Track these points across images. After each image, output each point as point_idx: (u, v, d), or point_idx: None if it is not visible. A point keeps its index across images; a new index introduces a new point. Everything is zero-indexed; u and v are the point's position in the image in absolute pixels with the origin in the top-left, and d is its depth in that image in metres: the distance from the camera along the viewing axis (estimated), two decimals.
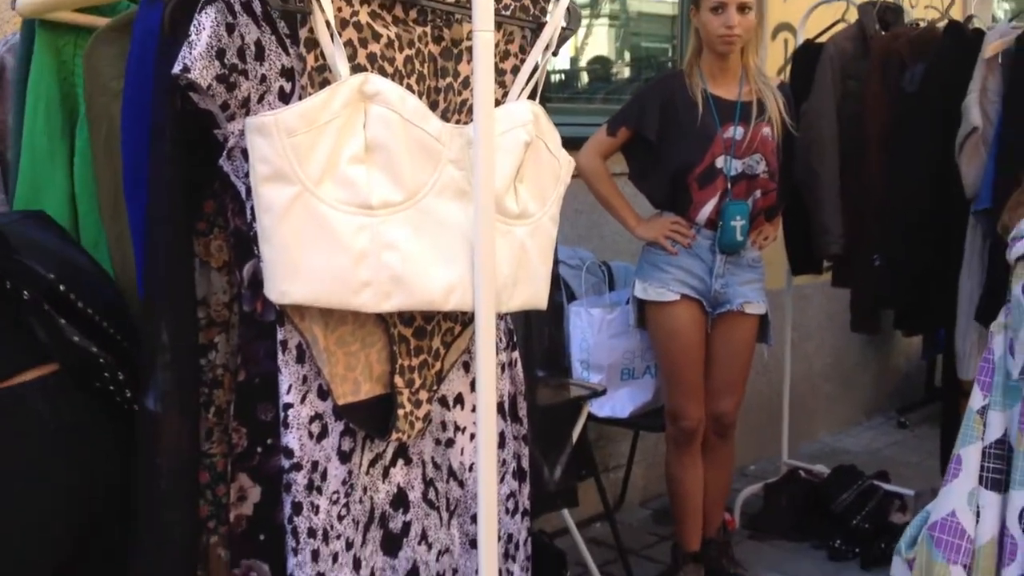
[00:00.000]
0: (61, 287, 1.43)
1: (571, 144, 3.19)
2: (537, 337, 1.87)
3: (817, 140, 3.49)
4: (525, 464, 1.77)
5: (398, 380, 1.50)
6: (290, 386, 1.43)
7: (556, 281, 3.63)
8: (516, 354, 1.75)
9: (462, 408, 1.62)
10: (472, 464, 1.63)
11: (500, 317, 1.69)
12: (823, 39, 3.75)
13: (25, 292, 1.41)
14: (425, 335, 1.53)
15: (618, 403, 3.53)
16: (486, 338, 1.45)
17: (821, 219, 3.52)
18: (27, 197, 1.57)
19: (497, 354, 1.67)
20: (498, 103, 1.56)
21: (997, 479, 1.71)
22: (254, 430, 1.49)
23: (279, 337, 1.43)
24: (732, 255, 3.15)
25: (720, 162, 3.08)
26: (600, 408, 3.50)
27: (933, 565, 1.72)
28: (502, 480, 1.67)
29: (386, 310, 1.42)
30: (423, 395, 1.53)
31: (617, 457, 4.16)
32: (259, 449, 1.49)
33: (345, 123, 1.36)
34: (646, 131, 3.11)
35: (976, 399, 1.74)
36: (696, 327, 3.20)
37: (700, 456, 3.38)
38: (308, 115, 1.32)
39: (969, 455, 1.73)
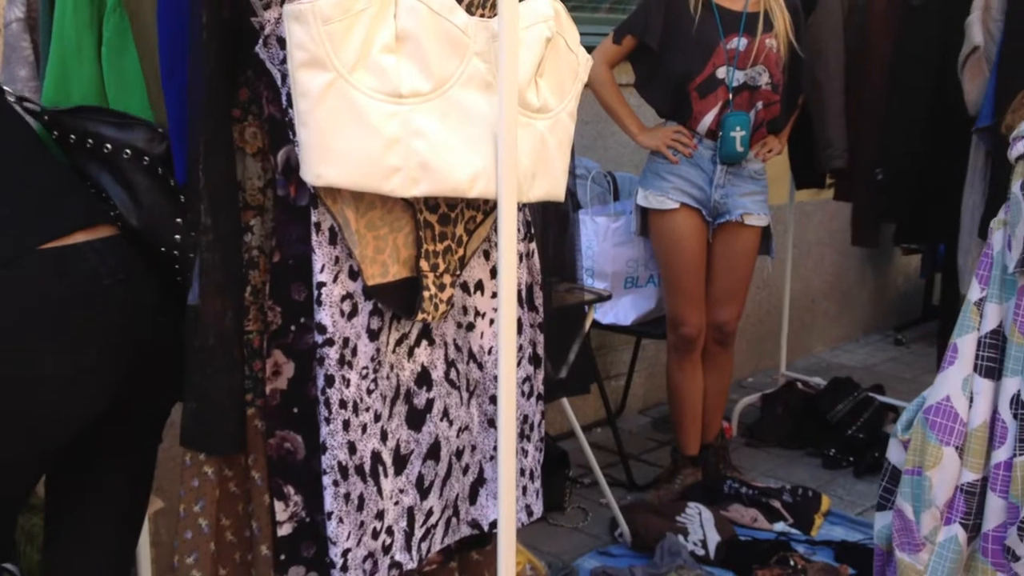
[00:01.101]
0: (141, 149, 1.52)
1: None
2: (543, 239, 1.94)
3: (822, 53, 3.52)
4: (540, 351, 1.86)
5: (423, 264, 1.59)
6: (323, 265, 1.52)
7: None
8: (533, 245, 1.83)
9: (482, 294, 1.71)
10: (491, 348, 1.72)
11: (519, 208, 1.77)
12: None
13: (107, 146, 1.50)
14: (449, 221, 1.61)
15: (621, 311, 3.62)
16: (508, 226, 1.53)
17: (824, 132, 3.57)
18: (56, 86, 1.64)
19: (516, 243, 1.75)
20: None
21: (991, 367, 1.80)
22: (288, 309, 1.58)
23: (313, 219, 1.51)
24: (733, 166, 3.21)
25: (721, 72, 3.12)
26: (604, 315, 3.60)
27: (927, 446, 1.81)
28: (519, 364, 1.76)
29: (414, 195, 1.49)
30: (447, 279, 1.61)
31: (618, 365, 4.27)
32: (292, 327, 1.58)
33: (377, 13, 1.42)
34: (649, 39, 3.15)
35: (974, 291, 1.83)
36: (696, 236, 3.27)
37: (700, 363, 3.47)
38: (342, 3, 1.39)
39: (965, 344, 1.82)
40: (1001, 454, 1.76)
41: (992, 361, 1.79)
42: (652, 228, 3.33)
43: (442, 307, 1.61)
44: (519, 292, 1.76)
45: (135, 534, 1.76)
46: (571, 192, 3.69)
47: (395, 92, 1.44)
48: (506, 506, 1.59)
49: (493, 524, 1.76)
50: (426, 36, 1.45)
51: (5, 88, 1.60)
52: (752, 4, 3.18)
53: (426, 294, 1.58)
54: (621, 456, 3.69)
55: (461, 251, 1.63)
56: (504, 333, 1.55)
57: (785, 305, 4.33)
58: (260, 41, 1.47)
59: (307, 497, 1.60)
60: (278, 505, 1.62)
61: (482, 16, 1.57)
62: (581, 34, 3.55)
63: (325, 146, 1.42)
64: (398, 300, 1.57)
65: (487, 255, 1.71)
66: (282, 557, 1.64)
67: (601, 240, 3.54)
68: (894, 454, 1.91)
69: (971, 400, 1.80)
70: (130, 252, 1.59)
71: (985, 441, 1.80)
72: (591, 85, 3.22)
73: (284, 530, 1.63)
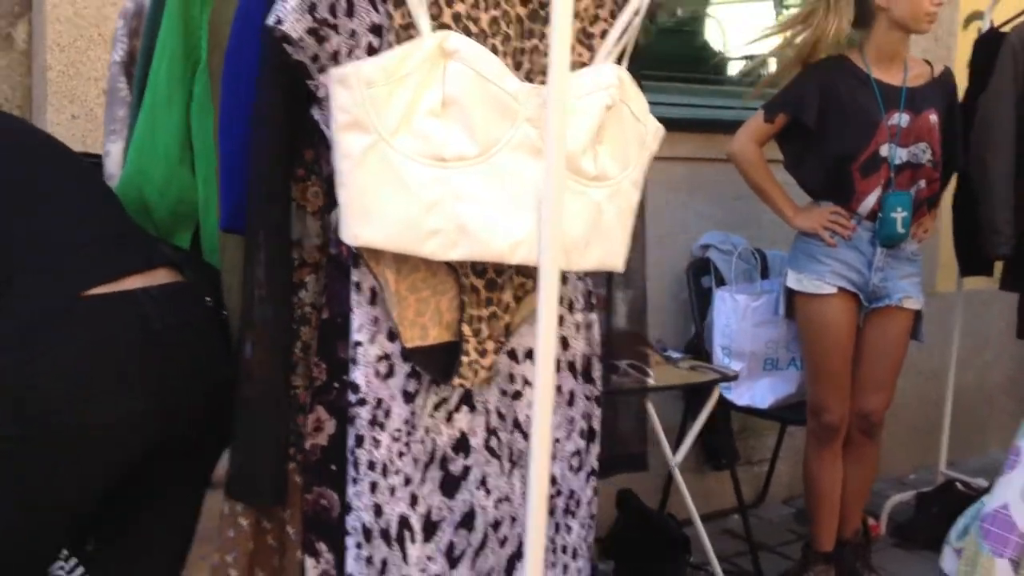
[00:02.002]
0: None
1: (710, 127, 3.18)
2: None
3: (992, 133, 3.33)
4: (596, 424, 1.81)
5: (465, 328, 1.57)
6: (361, 325, 1.52)
7: (706, 265, 3.64)
8: (594, 316, 1.79)
9: (532, 363, 1.67)
10: None
11: (580, 277, 1.73)
12: (1009, 27, 3.57)
13: None
14: (496, 287, 1.59)
15: (758, 393, 3.49)
16: (549, 294, 1.48)
17: (991, 216, 3.36)
18: (143, 133, 1.73)
19: (573, 313, 1.71)
20: (584, 66, 1.60)
21: None
22: (333, 366, 1.59)
23: (353, 279, 1.52)
24: (892, 248, 3.06)
25: (884, 150, 3.00)
26: (739, 397, 3.48)
27: (979, 556, 1.65)
28: (568, 437, 1.71)
29: (452, 259, 1.48)
30: (490, 345, 1.59)
31: (761, 451, 4.11)
32: (336, 384, 1.59)
33: (424, 78, 1.43)
34: (805, 117, 3.05)
35: None
36: (849, 321, 3.13)
37: (840, 454, 3.30)
38: (387, 68, 1.40)
39: None
40: None
41: None
42: (801, 311, 3.20)
43: (482, 373, 1.58)
44: (573, 363, 1.71)
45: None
46: (715, 267, 3.63)
47: (438, 156, 1.44)
48: None
49: None
50: (473, 101, 1.45)
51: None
52: (912, 79, 3.05)
53: (465, 359, 1.57)
54: (751, 546, 3.53)
55: (507, 318, 1.61)
56: (539, 406, 1.50)
57: (947, 399, 4.07)
58: (316, 103, 1.50)
59: (339, 556, 1.59)
60: (309, 562, 1.62)
61: (542, 83, 1.56)
62: (713, 107, 3.53)
63: (364, 207, 1.43)
64: (436, 364, 1.56)
65: None
66: None
67: (740, 319, 3.43)
68: (948, 563, 1.75)
69: None
70: (190, 299, 1.64)
71: None
72: (739, 164, 3.16)
73: None
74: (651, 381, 2.84)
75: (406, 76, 1.41)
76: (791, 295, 3.21)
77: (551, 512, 1.71)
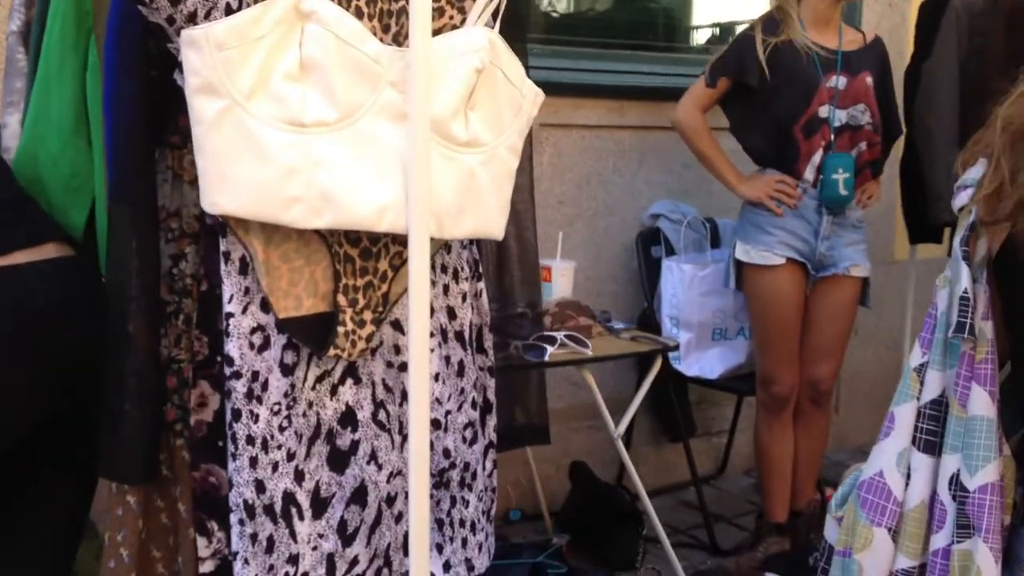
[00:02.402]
0: None
1: (658, 95, 3.15)
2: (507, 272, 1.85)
3: (935, 99, 3.28)
4: (491, 396, 1.78)
5: (341, 299, 1.53)
6: (232, 296, 1.49)
7: (656, 235, 3.60)
8: (481, 284, 1.75)
9: None
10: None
11: (464, 246, 1.70)
12: None
13: None
14: (371, 256, 1.55)
15: (707, 363, 3.46)
16: (419, 262, 1.46)
17: (935, 183, 3.32)
18: (37, 101, 1.68)
19: (459, 283, 1.68)
20: (455, 28, 1.56)
21: (931, 441, 1.58)
22: (215, 339, 1.56)
23: (222, 248, 1.48)
24: (838, 215, 3.03)
25: (824, 111, 2.96)
26: (689, 367, 3.45)
27: (857, 525, 1.61)
28: (460, 408, 1.68)
29: (317, 227, 1.44)
30: (367, 315, 1.55)
31: (721, 422, 4.08)
32: (219, 358, 1.55)
33: (279, 40, 1.39)
34: (748, 78, 3.01)
35: (915, 356, 1.62)
36: (797, 291, 3.09)
37: (791, 424, 3.27)
38: (239, 30, 1.36)
39: (903, 413, 1.61)
40: (939, 540, 1.54)
41: (932, 435, 1.58)
42: (749, 282, 3.16)
43: (360, 344, 1.55)
44: (462, 333, 1.68)
45: (69, 554, 1.77)
46: (664, 237, 3.59)
47: (296, 121, 1.40)
48: (417, 559, 1.51)
49: None
50: (332, 65, 1.41)
51: None
52: (847, 43, 3.02)
53: (341, 330, 1.53)
54: (705, 518, 3.51)
55: (385, 287, 1.57)
56: (415, 376, 1.48)
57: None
58: (179, 68, 1.46)
59: (231, 534, 1.56)
60: (200, 541, 1.59)
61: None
62: (661, 74, 3.48)
63: (221, 174, 1.39)
64: (311, 335, 1.52)
65: None
66: None
67: (687, 289, 3.39)
68: (830, 533, 1.71)
69: (908, 477, 1.59)
70: (80, 274, 1.60)
71: (923, 524, 1.58)
72: (683, 132, 3.13)
73: (206, 567, 1.60)
74: (589, 352, 2.80)
75: (260, 38, 1.37)
76: (740, 266, 3.17)
77: (446, 485, 1.68)
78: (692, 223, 3.59)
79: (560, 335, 2.80)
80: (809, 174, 2.99)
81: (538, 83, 3.33)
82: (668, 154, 3.68)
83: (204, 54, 1.36)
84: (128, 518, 1.62)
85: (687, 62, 3.71)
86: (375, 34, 1.49)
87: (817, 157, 2.98)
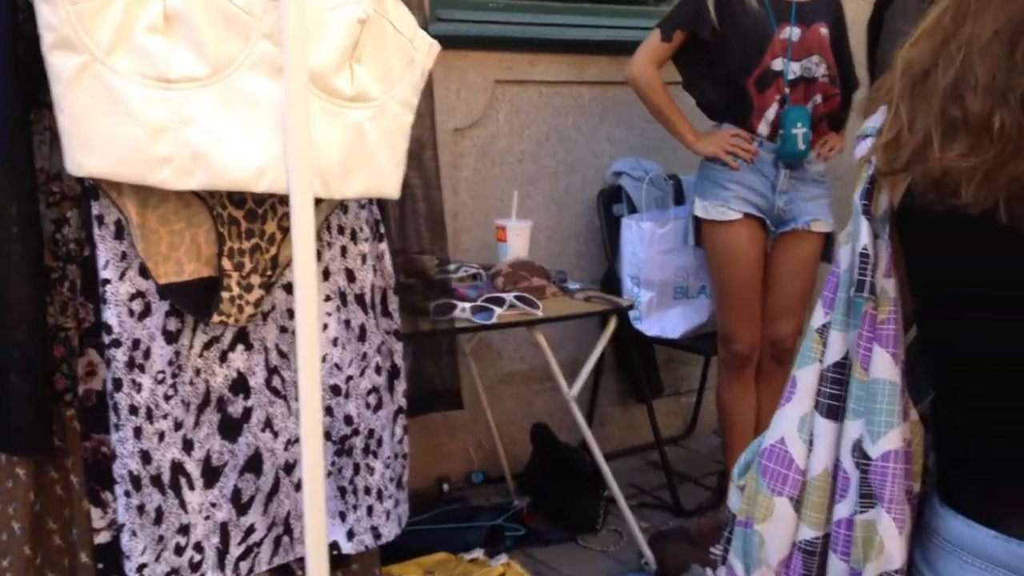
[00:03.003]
0: None
1: (618, 49, 3.08)
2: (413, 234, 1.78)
3: (896, 48, 3.19)
4: (398, 360, 1.72)
5: (226, 262, 1.48)
6: (107, 262, 1.43)
7: (617, 193, 3.53)
8: (384, 246, 1.69)
9: None
10: (325, 355, 1.59)
11: (362, 205, 1.64)
12: None
13: None
14: (256, 218, 1.50)
15: (669, 323, 3.40)
16: (303, 224, 1.40)
17: None
18: None
19: (357, 243, 1.62)
20: None
21: (834, 406, 1.51)
22: (100, 306, 1.50)
23: (95, 211, 1.43)
24: (796, 169, 2.96)
25: (778, 64, 2.88)
26: (649, 327, 3.39)
27: (758, 495, 1.54)
28: (363, 374, 1.63)
29: (190, 188, 1.39)
30: (255, 280, 1.50)
31: (690, 381, 4.03)
32: None
33: None
34: (702, 31, 2.93)
35: (818, 316, 1.54)
36: (756, 247, 3.02)
37: (753, 383, 3.22)
38: None
39: (804, 377, 1.53)
40: (843, 509, 1.47)
41: (835, 399, 1.50)
42: (707, 239, 3.09)
43: (248, 309, 1.49)
44: (362, 296, 1.62)
45: None
46: (626, 195, 3.53)
47: (162, 76, 1.34)
48: (313, 533, 1.46)
49: (334, 545, 1.63)
50: (199, 16, 1.35)
51: None
52: None
53: (227, 295, 1.47)
54: (668, 478, 3.47)
55: (274, 250, 1.51)
56: (304, 343, 1.42)
57: None
58: None
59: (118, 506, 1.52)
60: (95, 512, 1.55)
61: None
62: (621, 27, 3.40)
63: (83, 134, 1.33)
64: (194, 301, 1.47)
65: (318, 255, 1.58)
66: (100, 566, 1.56)
67: (647, 247, 3.33)
68: (733, 501, 1.64)
69: (811, 444, 1.52)
70: None
71: (827, 493, 1.50)
72: (637, 88, 3.05)
73: (102, 538, 1.55)
74: (539, 313, 2.75)
75: None
76: (699, 223, 3.11)
77: (348, 452, 1.63)
78: (654, 180, 3.52)
79: (509, 296, 2.74)
80: (763, 128, 2.92)
81: (494, 38, 3.28)
82: (630, 110, 3.60)
83: (57, 8, 1.29)
84: (19, 490, 1.57)
85: (649, 15, 3.62)
86: None
87: (771, 112, 2.91)
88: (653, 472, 3.70)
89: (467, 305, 2.69)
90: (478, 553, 2.88)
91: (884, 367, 1.43)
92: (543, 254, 3.55)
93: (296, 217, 1.39)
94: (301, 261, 1.40)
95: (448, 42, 3.14)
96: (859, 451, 1.45)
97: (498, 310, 2.70)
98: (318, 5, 1.42)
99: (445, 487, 3.43)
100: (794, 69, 2.89)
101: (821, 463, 1.49)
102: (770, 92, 2.89)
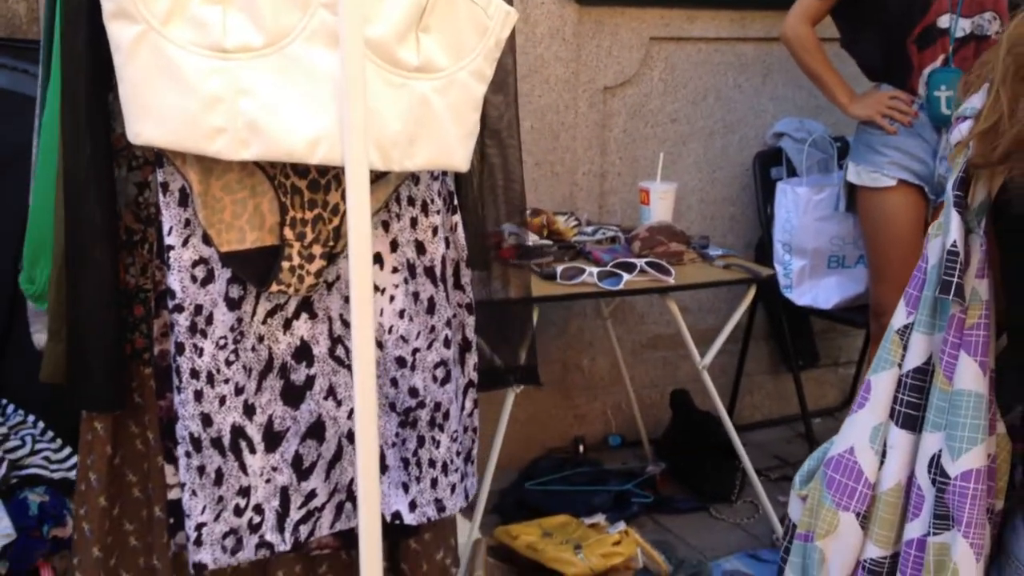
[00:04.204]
0: None
1: (785, 4, 2.90)
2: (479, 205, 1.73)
3: None
4: (469, 334, 1.69)
5: (287, 232, 1.47)
6: (171, 228, 1.45)
7: (777, 155, 3.37)
8: (457, 217, 1.65)
9: (381, 268, 1.56)
10: (392, 326, 1.57)
11: (435, 176, 1.60)
12: None
13: None
14: (319, 188, 1.48)
15: (822, 292, 3.24)
16: (358, 195, 1.37)
17: None
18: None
19: (428, 215, 1.59)
20: None
21: (912, 415, 1.36)
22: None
23: (159, 178, 1.45)
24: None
25: (944, 21, 2.66)
26: (800, 296, 3.25)
27: (821, 507, 1.42)
28: (430, 347, 1.60)
29: (245, 158, 1.38)
30: (317, 250, 1.49)
31: (849, 352, 3.84)
32: None
33: None
34: None
35: (899, 315, 1.39)
36: (914, 215, 2.83)
37: None
38: None
39: (881, 382, 1.39)
40: (915, 529, 1.34)
41: (913, 408, 1.36)
42: (861, 207, 2.93)
43: (309, 279, 1.49)
44: (432, 268, 1.59)
45: None
46: (786, 157, 3.36)
47: (218, 46, 1.33)
48: (368, 504, 1.45)
49: (396, 515, 1.63)
50: None
51: None
52: None
53: (286, 264, 1.47)
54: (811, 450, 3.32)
55: (336, 220, 1.49)
56: (358, 313, 1.40)
57: None
58: None
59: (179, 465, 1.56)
60: (168, 468, 1.60)
61: None
62: None
63: (141, 103, 1.34)
64: (255, 269, 1.47)
65: (386, 226, 1.56)
66: (172, 521, 1.61)
67: (801, 213, 3.16)
68: (794, 511, 1.52)
69: (883, 455, 1.39)
70: None
71: (898, 510, 1.37)
72: (790, 47, 2.90)
73: (174, 494, 1.60)
74: (670, 280, 2.66)
75: None
76: (851, 189, 2.94)
77: (412, 425, 1.62)
78: (818, 142, 3.34)
79: (641, 262, 2.66)
80: (924, 90, 2.71)
81: None
82: (797, 68, 3.42)
83: None
84: (96, 443, 1.63)
85: None
86: None
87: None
88: (800, 444, 3.56)
89: (595, 270, 2.64)
90: (599, 518, 2.84)
91: (970, 377, 1.30)
92: (696, 217, 3.44)
93: (351, 188, 1.37)
94: (355, 231, 1.38)
95: None
96: (937, 467, 1.32)
97: (627, 276, 2.63)
98: None
99: (581, 448, 3.40)
100: (963, 26, 2.66)
101: (894, 477, 1.37)
102: (933, 51, 2.68)
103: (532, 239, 2.82)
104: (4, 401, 2.28)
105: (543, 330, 3.29)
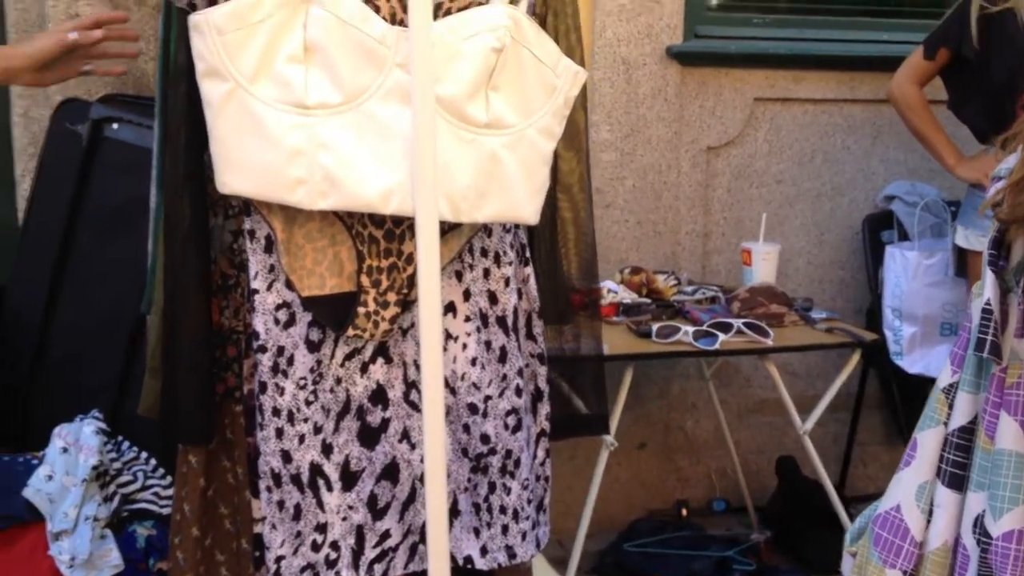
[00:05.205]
0: None
1: (895, 66, 2.90)
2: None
3: None
4: (541, 383, 1.72)
5: (364, 279, 1.55)
6: (256, 273, 1.54)
7: (888, 219, 3.33)
8: (529, 269, 1.70)
9: (455, 316, 1.62)
10: (464, 373, 1.63)
11: (507, 229, 1.65)
12: None
13: None
14: (395, 238, 1.55)
15: (934, 360, 3.16)
16: (427, 242, 1.44)
17: None
18: None
19: (500, 267, 1.64)
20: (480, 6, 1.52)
21: (958, 475, 1.34)
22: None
23: (247, 226, 1.54)
24: None
25: None
26: (912, 363, 3.18)
27: (868, 564, 1.39)
28: (502, 395, 1.64)
29: (323, 208, 1.46)
30: (391, 297, 1.56)
31: None
32: None
33: (282, 23, 1.42)
34: (966, 50, 2.72)
35: (944, 375, 1.37)
36: None
37: None
38: (237, 14, 1.40)
39: (927, 441, 1.36)
40: None
41: (959, 467, 1.33)
42: (972, 272, 2.88)
43: (384, 325, 1.56)
44: (504, 319, 1.64)
45: None
46: (897, 221, 3.32)
47: (300, 103, 1.43)
48: (436, 547, 1.50)
49: (468, 560, 1.67)
50: (335, 47, 1.42)
51: None
52: None
53: (362, 310, 1.54)
54: None
55: (411, 269, 1.56)
56: (428, 361, 1.46)
57: None
58: None
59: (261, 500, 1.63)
60: (255, 503, 1.67)
61: None
62: (897, 43, 3.18)
63: (228, 155, 1.45)
64: (333, 314, 1.55)
65: (459, 276, 1.62)
66: (257, 554, 1.69)
67: (911, 278, 3.11)
68: (845, 568, 1.50)
69: (930, 514, 1.36)
70: None
71: (945, 569, 1.34)
72: (897, 107, 2.90)
73: (259, 528, 1.67)
74: (768, 342, 2.65)
75: (260, 22, 1.41)
76: (961, 253, 2.89)
77: (483, 471, 1.66)
78: (930, 205, 3.28)
79: (738, 322, 2.67)
80: None
81: (756, 55, 3.19)
82: (907, 130, 3.39)
83: (207, 38, 1.41)
84: (191, 475, 1.72)
85: (927, 29, 3.38)
86: (396, 15, 1.48)
87: None
88: None
89: (691, 329, 2.65)
90: None
91: (1011, 436, 1.28)
92: (803, 280, 3.42)
93: (421, 238, 1.44)
94: (425, 278, 1.44)
95: (705, 59, 3.14)
96: (980, 527, 1.30)
97: (723, 336, 2.63)
98: (454, 34, 1.46)
99: (684, 512, 3.37)
100: None
101: (940, 536, 1.35)
102: None
103: (630, 297, 2.85)
104: (120, 438, 2.40)
105: (644, 390, 3.30)
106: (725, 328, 2.65)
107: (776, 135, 3.33)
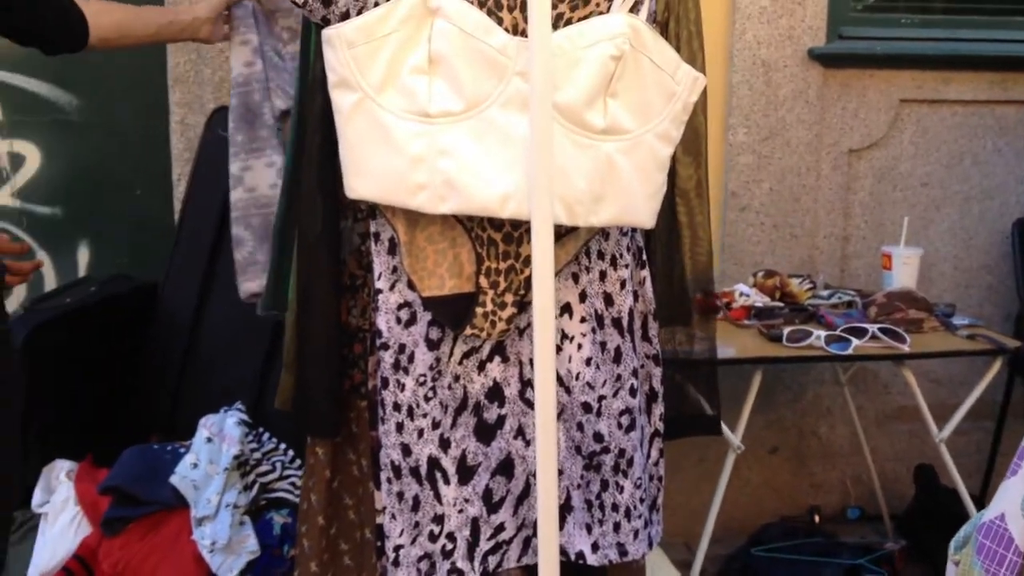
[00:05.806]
0: None
1: None
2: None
3: None
4: (656, 384, 1.74)
5: (483, 280, 1.60)
6: (380, 274, 1.62)
7: None
8: (645, 272, 1.72)
9: (571, 317, 1.66)
10: (579, 373, 1.66)
11: (624, 233, 1.68)
12: None
13: None
14: (512, 241, 1.60)
15: None
16: (543, 245, 1.48)
17: None
18: None
19: (616, 269, 1.67)
20: (601, 15, 1.55)
21: None
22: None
23: (372, 228, 1.62)
24: None
25: None
26: None
27: (970, 573, 1.37)
28: (616, 395, 1.67)
29: (443, 212, 1.52)
30: (508, 298, 1.60)
31: None
32: None
33: (408, 36, 1.48)
34: None
35: None
36: None
37: None
38: (367, 28, 1.47)
39: None
40: None
41: None
42: None
43: (500, 325, 1.61)
44: (620, 320, 1.67)
45: None
46: None
47: (423, 112, 1.49)
48: (546, 541, 1.55)
49: (580, 555, 1.71)
50: (458, 58, 1.47)
51: None
52: None
53: (480, 311, 1.60)
54: None
55: (528, 271, 1.61)
56: (541, 360, 1.50)
57: None
58: None
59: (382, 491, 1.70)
60: (377, 494, 1.75)
61: None
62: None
63: (356, 161, 1.52)
64: (451, 313, 1.60)
65: (576, 278, 1.66)
66: (379, 543, 1.76)
67: None
68: (950, 575, 1.46)
69: None
70: None
71: None
72: None
73: (381, 518, 1.75)
74: (904, 348, 2.60)
75: (387, 35, 1.47)
76: None
77: (596, 468, 1.69)
78: None
79: (873, 327, 2.62)
80: None
81: (903, 56, 3.12)
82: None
83: (338, 51, 1.49)
84: (317, 467, 1.81)
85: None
86: (519, 25, 1.53)
87: None
88: None
89: (823, 333, 2.62)
90: None
91: None
92: (949, 285, 3.33)
93: (536, 240, 1.48)
94: (539, 279, 1.48)
95: (849, 61, 3.09)
96: None
97: (856, 341, 2.59)
98: (573, 44, 1.50)
99: (816, 518, 3.33)
100: None
101: None
102: None
103: (763, 301, 2.84)
104: (261, 430, 2.53)
105: (777, 395, 3.27)
106: (859, 333, 2.61)
107: (923, 137, 3.25)
